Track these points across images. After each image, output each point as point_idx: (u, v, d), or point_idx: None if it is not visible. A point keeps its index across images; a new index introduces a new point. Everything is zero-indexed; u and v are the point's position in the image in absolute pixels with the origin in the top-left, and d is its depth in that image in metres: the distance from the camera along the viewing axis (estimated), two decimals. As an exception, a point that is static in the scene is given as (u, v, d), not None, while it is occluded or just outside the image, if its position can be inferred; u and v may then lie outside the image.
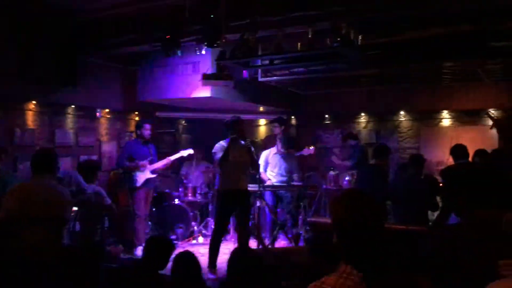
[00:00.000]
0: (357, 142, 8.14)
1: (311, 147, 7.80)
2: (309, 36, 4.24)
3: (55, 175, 3.91)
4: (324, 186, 8.11)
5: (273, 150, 7.24)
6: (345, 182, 7.94)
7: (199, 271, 3.46)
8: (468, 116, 8.48)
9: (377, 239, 1.78)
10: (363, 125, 9.45)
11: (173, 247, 3.82)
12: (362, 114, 9.47)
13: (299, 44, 4.45)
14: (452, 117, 8.69)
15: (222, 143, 5.87)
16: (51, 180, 3.78)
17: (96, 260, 4.69)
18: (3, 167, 5.39)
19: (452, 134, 8.35)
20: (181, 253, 3.53)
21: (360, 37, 4.04)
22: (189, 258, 3.48)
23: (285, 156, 7.21)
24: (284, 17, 4.45)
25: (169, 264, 3.59)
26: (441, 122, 8.79)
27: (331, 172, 8.22)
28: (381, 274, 1.74)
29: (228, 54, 4.80)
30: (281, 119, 7.78)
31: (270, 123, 8.32)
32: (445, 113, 8.73)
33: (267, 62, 5.17)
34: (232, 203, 5.89)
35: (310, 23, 4.22)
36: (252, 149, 5.91)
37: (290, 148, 7.18)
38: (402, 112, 9.10)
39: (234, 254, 3.29)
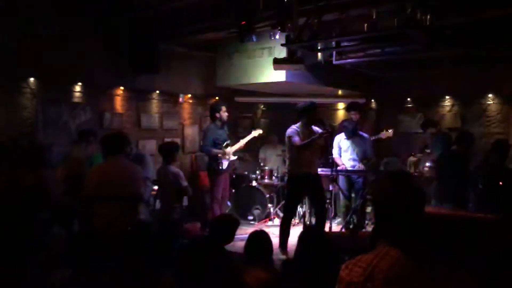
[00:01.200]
0: (437, 130, 7.75)
1: (390, 130, 7.61)
2: (373, 17, 4.16)
3: (127, 155, 4.21)
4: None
5: (342, 135, 7.18)
6: (425, 168, 7.67)
7: (270, 249, 3.58)
8: None
9: (416, 222, 1.78)
10: (447, 108, 9.00)
11: (236, 222, 3.98)
12: (447, 97, 9.01)
13: (365, 25, 4.37)
14: (546, 100, 8.02)
15: (295, 127, 5.95)
16: (123, 160, 4.09)
17: (171, 236, 5.05)
18: (92, 149, 5.87)
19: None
20: (255, 232, 3.67)
21: (428, 17, 3.89)
22: (262, 236, 3.61)
23: (356, 140, 7.11)
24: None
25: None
26: (534, 104, 8.15)
27: (411, 158, 7.97)
28: (422, 259, 1.72)
29: (295, 38, 4.82)
30: (355, 104, 7.68)
31: (345, 110, 8.23)
32: (538, 95, 8.07)
33: (333, 45, 5.13)
34: (302, 186, 5.96)
35: (374, 4, 4.13)
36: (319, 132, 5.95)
37: (352, 136, 7.06)
38: (490, 95, 8.53)
39: (302, 234, 3.37)
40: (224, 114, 7.05)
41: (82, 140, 5.89)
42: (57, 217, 4.52)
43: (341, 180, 7.08)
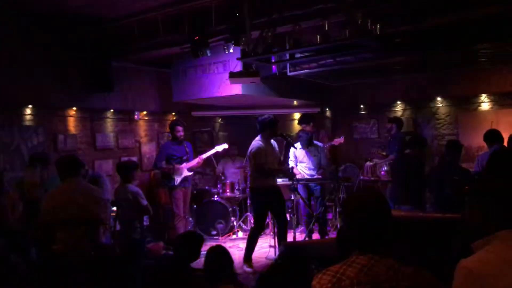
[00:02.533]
0: (398, 132, 7.99)
1: (341, 137, 7.81)
2: (326, 28, 4.27)
3: (83, 177, 4.11)
4: (361, 177, 8.06)
5: (298, 145, 7.30)
6: (382, 173, 7.86)
7: (230, 263, 3.57)
8: (508, 99, 8.18)
9: (384, 229, 1.89)
10: (399, 113, 9.29)
11: (201, 239, 3.95)
12: (398, 102, 9.32)
13: (318, 36, 4.47)
14: (491, 101, 8.41)
15: (260, 142, 5.98)
16: (80, 182, 3.99)
17: (133, 258, 4.94)
18: (46, 173, 5.69)
19: (492, 118, 8.11)
20: (212, 247, 3.66)
21: (378, 26, 4.03)
22: (219, 251, 3.60)
23: (311, 150, 7.24)
24: (301, 12, 4.49)
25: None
26: (480, 106, 8.53)
27: (368, 163, 8.16)
28: (387, 262, 1.81)
29: (250, 51, 4.87)
30: (305, 117, 7.85)
31: (298, 123, 8.37)
32: (483, 97, 8.46)
33: (287, 57, 5.22)
34: (270, 199, 6.01)
35: (326, 15, 4.25)
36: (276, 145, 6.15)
37: (308, 146, 7.20)
38: (438, 98, 8.89)
39: (283, 249, 3.40)
40: (177, 133, 7.19)
41: (34, 164, 5.68)
42: (13, 244, 4.34)
43: (300, 189, 7.15)
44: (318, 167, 7.21)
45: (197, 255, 3.87)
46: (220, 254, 3.58)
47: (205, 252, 4.13)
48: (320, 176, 7.13)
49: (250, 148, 6.06)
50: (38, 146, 6.58)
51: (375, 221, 1.88)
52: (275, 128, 6.10)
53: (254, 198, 6.22)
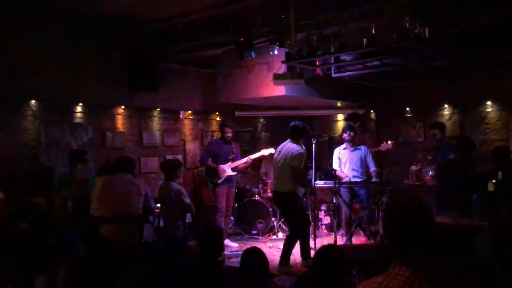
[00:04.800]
0: (442, 137, 7.76)
1: (389, 142, 7.64)
2: (373, 31, 4.21)
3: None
4: (406, 181, 7.90)
5: (342, 146, 7.21)
6: (428, 177, 7.67)
7: (265, 266, 3.60)
8: None
9: (425, 239, 1.84)
10: (446, 117, 9.02)
11: (220, 233, 3.98)
12: (446, 105, 9.05)
13: (364, 40, 4.42)
14: (545, 105, 8.05)
15: (302, 149, 5.96)
16: (129, 178, 4.10)
17: (176, 255, 5.04)
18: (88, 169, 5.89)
19: (546, 124, 7.76)
20: (247, 249, 3.71)
21: (426, 29, 3.93)
22: (255, 253, 3.63)
23: (356, 151, 7.14)
24: (348, 14, 4.45)
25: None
26: (533, 110, 8.18)
27: (413, 167, 7.98)
28: (431, 274, 1.77)
29: (294, 54, 4.87)
30: (353, 115, 7.74)
31: (346, 120, 8.26)
32: (537, 101, 8.10)
33: (332, 60, 5.18)
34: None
35: (372, 18, 4.18)
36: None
37: (353, 146, 7.11)
38: (489, 102, 8.56)
39: (321, 250, 3.41)
40: (226, 134, 7.23)
41: (76, 161, 5.86)
42: (64, 239, 4.52)
43: (343, 192, 7.08)
44: (363, 169, 7.10)
45: (220, 249, 3.89)
46: (256, 256, 3.61)
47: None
48: (362, 178, 7.02)
49: (293, 153, 5.89)
50: (87, 143, 6.82)
51: (417, 232, 1.82)
52: (306, 134, 6.10)
53: (295, 200, 6.13)
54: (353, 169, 7.12)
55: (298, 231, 5.94)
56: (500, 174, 3.09)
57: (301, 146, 5.96)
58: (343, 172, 7.18)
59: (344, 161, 7.20)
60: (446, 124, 8.86)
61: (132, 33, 6.89)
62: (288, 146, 5.97)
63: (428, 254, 1.84)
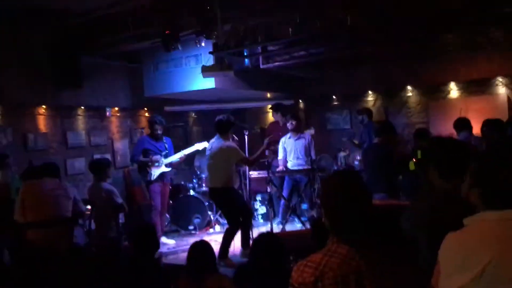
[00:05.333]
0: (369, 121, 8.08)
1: (311, 128, 7.84)
2: (297, 21, 4.28)
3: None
4: (335, 167, 8.15)
5: (287, 135, 7.30)
6: (356, 162, 7.96)
7: (214, 258, 3.58)
8: (476, 86, 8.37)
9: (363, 216, 1.85)
10: (371, 103, 9.40)
11: (153, 229, 3.93)
12: (369, 92, 9.43)
13: (290, 29, 4.47)
14: (460, 88, 8.59)
15: (231, 144, 5.93)
16: (54, 182, 3.92)
17: (110, 256, 4.88)
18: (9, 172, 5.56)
19: (462, 106, 8.27)
20: (195, 243, 3.66)
21: (349, 18, 4.05)
22: (203, 246, 3.60)
23: (300, 139, 7.26)
24: (274, 5, 4.49)
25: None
26: (449, 94, 8.70)
27: (341, 153, 8.24)
28: (368, 250, 1.79)
29: (222, 45, 4.84)
30: (275, 106, 7.85)
31: (272, 111, 8.32)
32: (452, 85, 8.63)
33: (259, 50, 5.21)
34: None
35: (296, 8, 4.25)
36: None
37: (297, 135, 7.22)
38: (409, 87, 9.03)
39: (260, 238, 3.41)
40: (155, 132, 6.98)
41: (4, 164, 5.53)
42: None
43: (286, 180, 7.20)
44: (308, 157, 7.21)
45: (154, 245, 3.83)
46: (204, 249, 3.58)
47: (183, 247, 4.13)
48: (304, 165, 7.15)
49: (226, 150, 5.81)
50: (7, 147, 6.41)
51: (354, 206, 1.83)
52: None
53: (231, 194, 6.05)
54: (297, 158, 7.22)
55: (242, 222, 5.94)
56: (419, 153, 3.24)
57: (231, 139, 5.94)
58: (284, 160, 7.28)
59: (289, 150, 7.28)
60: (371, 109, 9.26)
61: (54, 25, 6.50)
62: (218, 143, 5.88)
63: (364, 230, 1.85)
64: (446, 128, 8.00)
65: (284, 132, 7.43)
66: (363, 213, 1.84)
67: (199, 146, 7.22)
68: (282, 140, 7.35)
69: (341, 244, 1.80)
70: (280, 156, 7.28)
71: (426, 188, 2.58)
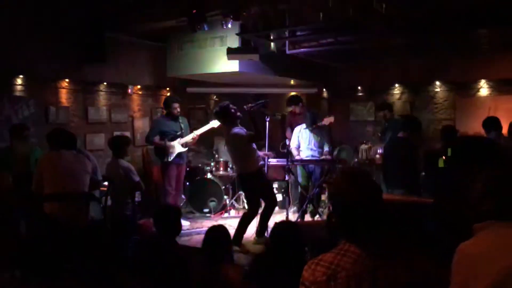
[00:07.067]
0: (391, 114, 7.88)
1: (331, 116, 7.65)
2: (330, 5, 4.13)
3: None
4: (356, 160, 8.01)
5: (303, 125, 7.19)
6: (377, 156, 7.80)
7: (230, 244, 3.52)
8: (507, 85, 8.10)
9: (375, 216, 1.79)
10: (397, 96, 9.20)
11: (178, 211, 3.89)
12: (396, 85, 9.21)
13: (320, 14, 4.34)
14: (490, 87, 8.33)
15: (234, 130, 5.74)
16: (73, 155, 3.90)
17: (124, 233, 4.87)
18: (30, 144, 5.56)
19: (491, 104, 8.03)
20: (212, 227, 3.61)
21: (384, 6, 3.90)
22: (220, 231, 3.54)
23: (314, 130, 7.13)
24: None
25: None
26: (479, 92, 8.45)
27: (363, 146, 8.09)
28: (381, 250, 1.74)
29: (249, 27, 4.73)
30: (293, 98, 7.74)
31: (286, 105, 8.21)
32: (482, 83, 8.37)
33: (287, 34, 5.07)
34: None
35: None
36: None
37: (314, 124, 7.08)
38: (437, 83, 8.80)
39: (280, 227, 3.33)
40: (174, 110, 6.93)
41: (16, 136, 5.51)
42: (4, 217, 4.26)
43: (298, 170, 7.12)
44: (321, 148, 7.11)
45: (178, 228, 3.79)
46: (220, 234, 3.52)
47: (197, 230, 4.09)
48: (317, 157, 7.03)
49: (234, 134, 5.63)
50: (29, 118, 6.43)
51: (365, 207, 1.76)
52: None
53: (253, 180, 5.83)
54: (311, 149, 7.12)
55: (264, 209, 5.88)
56: (449, 150, 3.15)
57: (239, 127, 5.73)
58: (296, 149, 7.18)
59: (303, 140, 7.18)
60: (396, 103, 9.07)
61: (79, 1, 6.48)
62: (227, 131, 5.78)
63: (377, 232, 1.79)
64: (473, 126, 7.81)
65: (301, 120, 7.37)
66: (374, 212, 1.79)
67: (213, 124, 7.04)
68: (297, 129, 7.24)
69: (353, 244, 1.75)
70: (294, 145, 7.17)
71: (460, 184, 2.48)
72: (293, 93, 9.25)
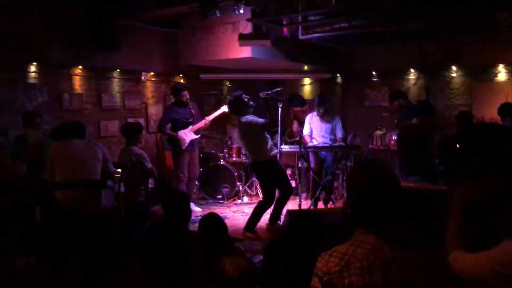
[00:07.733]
0: (406, 102, 7.73)
1: None
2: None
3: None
4: (370, 146, 7.92)
5: (314, 113, 7.13)
6: (392, 142, 7.70)
7: (225, 231, 3.51)
8: (526, 70, 7.92)
9: (392, 207, 1.77)
10: (412, 82, 9.05)
11: (186, 197, 3.90)
12: (412, 70, 9.05)
13: (333, -1, 4.25)
14: (509, 72, 8.12)
15: (246, 119, 5.74)
16: (85, 144, 3.92)
17: (137, 220, 4.90)
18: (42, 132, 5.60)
19: (509, 90, 7.86)
20: (205, 216, 3.67)
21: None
22: (212, 220, 3.55)
23: (325, 117, 7.07)
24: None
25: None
26: (497, 77, 8.25)
27: (377, 132, 7.99)
28: (397, 242, 1.73)
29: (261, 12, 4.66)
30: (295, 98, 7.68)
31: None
32: (500, 67, 8.17)
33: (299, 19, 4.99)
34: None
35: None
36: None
37: (321, 105, 7.01)
38: (453, 68, 8.61)
39: (296, 215, 3.32)
40: (183, 98, 6.94)
41: (29, 123, 5.54)
42: (18, 204, 4.31)
43: (310, 156, 7.07)
44: (332, 135, 7.05)
45: (187, 214, 3.79)
46: (213, 223, 3.54)
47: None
48: (328, 144, 6.97)
49: (247, 122, 5.66)
50: (42, 105, 6.48)
51: (382, 199, 1.75)
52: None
53: (268, 168, 5.83)
54: (323, 136, 7.08)
55: (279, 197, 5.87)
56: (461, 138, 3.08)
57: (252, 115, 5.73)
58: (309, 137, 7.14)
59: (315, 127, 7.13)
60: (411, 89, 8.93)
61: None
62: (240, 122, 5.78)
63: (394, 223, 1.78)
64: (490, 112, 7.67)
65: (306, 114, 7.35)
66: (391, 203, 1.77)
67: (224, 108, 7.00)
68: (308, 117, 7.21)
69: (369, 235, 1.74)
70: (306, 132, 7.12)
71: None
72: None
